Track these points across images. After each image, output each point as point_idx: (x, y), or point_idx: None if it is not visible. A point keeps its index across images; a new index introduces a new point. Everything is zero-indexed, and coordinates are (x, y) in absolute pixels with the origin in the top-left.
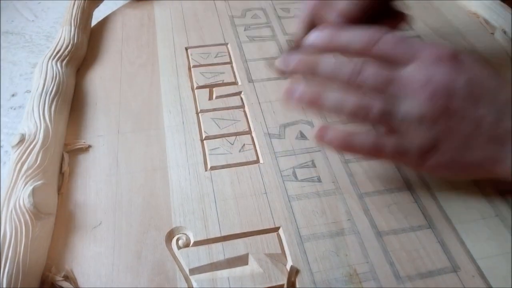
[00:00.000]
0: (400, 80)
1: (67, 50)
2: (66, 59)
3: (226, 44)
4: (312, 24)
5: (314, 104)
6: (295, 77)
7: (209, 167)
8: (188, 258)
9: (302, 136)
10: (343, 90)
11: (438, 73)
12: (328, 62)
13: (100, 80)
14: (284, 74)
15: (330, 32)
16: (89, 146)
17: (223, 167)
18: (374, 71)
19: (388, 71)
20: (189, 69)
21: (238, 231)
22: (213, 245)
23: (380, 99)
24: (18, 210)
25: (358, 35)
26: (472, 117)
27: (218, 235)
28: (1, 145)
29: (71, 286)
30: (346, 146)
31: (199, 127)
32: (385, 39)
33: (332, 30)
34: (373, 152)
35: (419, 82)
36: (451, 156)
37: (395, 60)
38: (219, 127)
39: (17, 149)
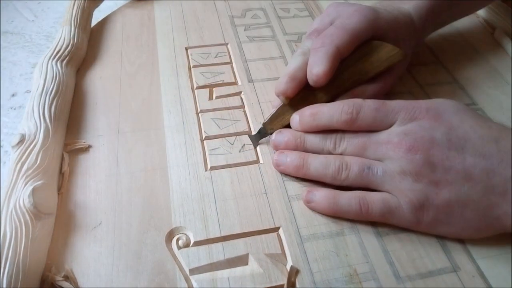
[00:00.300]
0: (376, 142)
1: (67, 50)
2: (66, 59)
3: (226, 44)
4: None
5: (299, 171)
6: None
7: (209, 167)
8: (188, 258)
9: None
10: (324, 157)
11: (413, 128)
12: (312, 141)
13: (100, 80)
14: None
15: (310, 117)
16: (89, 146)
17: (223, 167)
18: (350, 139)
19: (364, 136)
20: (189, 69)
21: (238, 231)
22: (213, 245)
23: (359, 159)
24: (18, 210)
25: (336, 114)
26: (459, 168)
27: (218, 235)
28: (1, 145)
29: (71, 286)
30: (332, 212)
31: (199, 127)
32: (363, 115)
33: (311, 113)
34: (360, 212)
35: (395, 139)
36: (448, 210)
37: (377, 127)
38: (219, 127)
39: (17, 149)
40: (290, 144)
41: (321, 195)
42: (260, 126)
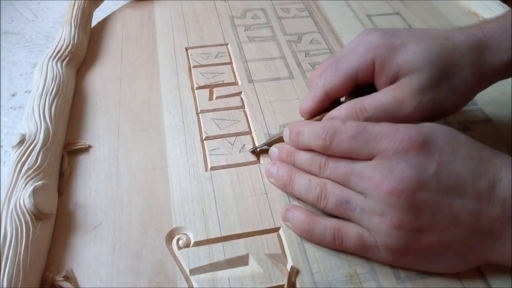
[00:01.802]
0: (358, 175)
1: (67, 50)
2: (66, 59)
3: (226, 45)
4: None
5: (285, 188)
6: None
7: (209, 167)
8: (189, 258)
9: None
10: (309, 180)
11: (398, 166)
12: (300, 160)
13: (100, 80)
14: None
15: (296, 136)
16: (89, 146)
17: (223, 167)
18: (334, 167)
19: (345, 166)
20: (189, 69)
21: (238, 231)
22: (214, 245)
23: (339, 190)
24: (19, 210)
25: (313, 137)
26: (446, 211)
27: (218, 235)
28: (1, 145)
29: (71, 286)
30: (306, 238)
31: (199, 127)
32: (337, 142)
33: (297, 132)
34: (333, 243)
35: (377, 176)
36: (429, 252)
37: (354, 156)
38: (219, 128)
39: (17, 149)
40: (281, 159)
41: (297, 218)
42: (259, 125)
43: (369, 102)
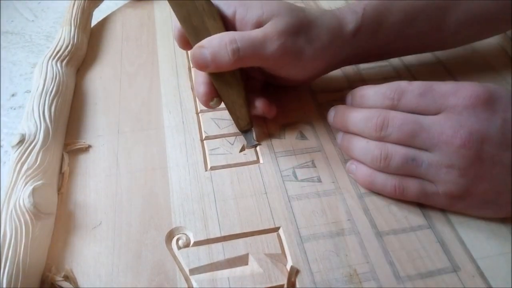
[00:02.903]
0: (428, 131)
1: (67, 50)
2: (66, 59)
3: None
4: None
5: (346, 152)
6: None
7: (209, 167)
8: (188, 258)
9: (302, 136)
10: (370, 140)
11: (468, 120)
12: (355, 118)
13: (100, 80)
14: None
15: (359, 98)
16: (89, 146)
17: (223, 167)
18: (399, 124)
19: (414, 122)
20: (189, 69)
21: (238, 231)
22: (213, 245)
23: (403, 148)
24: (18, 210)
25: (379, 98)
26: (506, 162)
27: (218, 235)
28: (1, 145)
29: (71, 286)
30: (368, 186)
31: (199, 127)
32: (405, 101)
33: (360, 95)
34: (394, 194)
35: (449, 131)
36: (483, 199)
37: (422, 112)
38: (219, 127)
39: (17, 149)
40: (335, 122)
41: (360, 169)
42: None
43: (239, 34)
